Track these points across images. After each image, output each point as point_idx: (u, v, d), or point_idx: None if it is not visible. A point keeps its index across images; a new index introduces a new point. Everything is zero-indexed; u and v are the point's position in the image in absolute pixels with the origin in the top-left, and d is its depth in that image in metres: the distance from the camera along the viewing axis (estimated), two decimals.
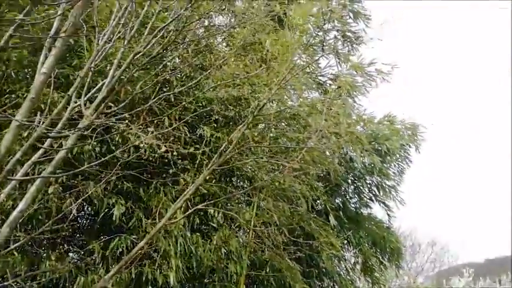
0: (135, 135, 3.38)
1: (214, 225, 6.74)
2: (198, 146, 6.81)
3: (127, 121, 3.09)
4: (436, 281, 29.50)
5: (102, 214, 5.95)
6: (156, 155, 4.22)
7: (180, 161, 5.74)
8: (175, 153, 4.08)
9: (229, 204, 6.90)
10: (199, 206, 5.17)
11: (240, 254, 6.41)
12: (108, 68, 4.20)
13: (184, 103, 5.15)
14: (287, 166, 4.72)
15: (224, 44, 6.85)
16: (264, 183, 6.49)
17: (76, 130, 2.91)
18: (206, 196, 6.68)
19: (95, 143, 5.01)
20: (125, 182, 6.40)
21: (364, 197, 9.13)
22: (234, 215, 5.92)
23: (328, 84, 8.61)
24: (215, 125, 6.90)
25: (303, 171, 5.90)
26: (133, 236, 5.79)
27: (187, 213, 5.21)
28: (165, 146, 3.54)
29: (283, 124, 6.93)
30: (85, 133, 2.94)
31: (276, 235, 6.22)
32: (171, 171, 5.88)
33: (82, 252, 5.95)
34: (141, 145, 3.31)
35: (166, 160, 5.65)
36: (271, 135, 6.85)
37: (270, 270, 6.67)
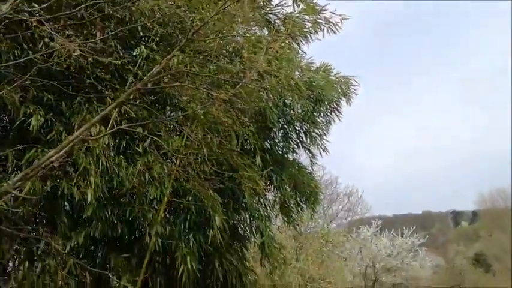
0: (57, 42, 3.12)
1: (140, 150, 6.69)
2: (131, 66, 6.54)
3: (42, 19, 2.82)
4: (347, 228, 32.12)
5: (19, 123, 5.63)
6: (72, 61, 3.95)
7: (103, 74, 5.46)
8: (90, 59, 3.84)
9: (160, 132, 6.83)
10: (123, 126, 5.04)
11: (163, 180, 6.46)
12: None
13: (110, 11, 4.80)
14: (218, 96, 4.67)
15: None
16: (195, 114, 6.46)
17: None
18: (134, 120, 6.54)
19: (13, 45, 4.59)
20: (45, 93, 6.06)
21: (292, 142, 9.42)
22: (160, 141, 5.87)
23: (276, 24, 8.43)
24: (153, 46, 6.62)
25: (236, 107, 5.92)
26: (51, 149, 5.57)
27: (109, 131, 5.07)
28: (80, 50, 3.31)
29: (223, 57, 6.80)
30: None
31: (202, 166, 6.30)
32: (91, 83, 5.60)
33: None
34: (56, 46, 3.07)
35: (88, 71, 5.37)
36: (211, 67, 6.70)
37: (192, 199, 6.82)
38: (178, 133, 7.04)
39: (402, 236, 34.61)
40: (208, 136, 6.08)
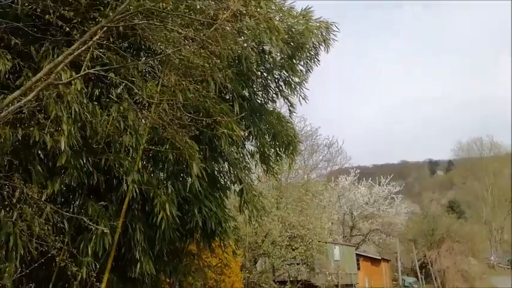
0: None
1: (113, 97, 6.52)
2: (102, 7, 6.23)
3: None
4: (327, 177, 32.95)
5: None
6: None
7: (67, 12, 5.18)
8: None
9: (134, 78, 6.63)
10: (93, 70, 4.85)
11: (138, 128, 6.37)
12: None
13: None
14: (187, 35, 4.49)
15: None
16: (170, 59, 6.26)
17: None
18: (108, 66, 6.33)
19: None
20: (13, 38, 5.79)
21: (271, 91, 9.31)
22: (131, 85, 5.71)
23: None
24: None
25: (212, 51, 5.73)
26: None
27: (79, 75, 4.89)
28: None
29: None
30: None
31: (177, 112, 6.20)
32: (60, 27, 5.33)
33: None
34: None
35: (54, 10, 5.08)
36: (184, 6, 6.38)
37: (170, 147, 6.77)
38: (153, 79, 6.87)
39: (379, 185, 35.79)
40: (184, 82, 5.93)
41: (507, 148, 65.67)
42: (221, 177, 8.95)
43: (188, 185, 7.00)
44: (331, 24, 7.96)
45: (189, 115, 6.09)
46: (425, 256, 27.69)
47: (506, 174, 60.30)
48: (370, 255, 33.39)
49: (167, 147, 6.80)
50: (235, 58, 7.19)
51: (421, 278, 20.66)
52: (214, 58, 5.90)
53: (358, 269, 30.43)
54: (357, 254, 30.92)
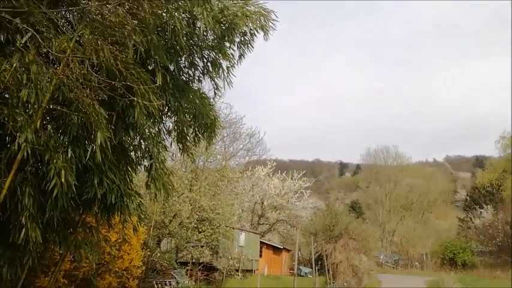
0: None
1: (18, 46, 5.81)
2: None
3: None
4: (245, 166, 33.37)
5: None
6: None
7: None
8: None
9: (44, 29, 5.95)
10: None
11: (41, 83, 5.74)
12: None
13: None
14: None
15: None
16: (93, 17, 5.73)
17: None
18: (18, 14, 5.64)
19: None
20: None
21: (198, 70, 9.01)
22: (36, 34, 5.11)
23: None
24: None
25: (135, 14, 5.32)
26: None
27: None
28: None
29: None
30: None
31: (88, 74, 5.70)
32: None
33: None
34: None
35: None
36: None
37: (76, 110, 6.23)
38: (69, 34, 6.25)
39: (292, 179, 37.12)
40: (99, 41, 5.44)
41: (409, 159, 71.96)
42: (131, 150, 8.49)
43: (89, 153, 6.51)
44: (270, 12, 7.81)
45: (101, 78, 5.62)
46: (322, 249, 29.35)
47: (404, 183, 66.07)
48: (273, 244, 34.56)
49: (73, 109, 6.25)
50: (163, 26, 6.78)
51: (316, 269, 21.90)
52: (130, 17, 5.45)
53: (260, 256, 31.36)
54: (261, 242, 31.81)
